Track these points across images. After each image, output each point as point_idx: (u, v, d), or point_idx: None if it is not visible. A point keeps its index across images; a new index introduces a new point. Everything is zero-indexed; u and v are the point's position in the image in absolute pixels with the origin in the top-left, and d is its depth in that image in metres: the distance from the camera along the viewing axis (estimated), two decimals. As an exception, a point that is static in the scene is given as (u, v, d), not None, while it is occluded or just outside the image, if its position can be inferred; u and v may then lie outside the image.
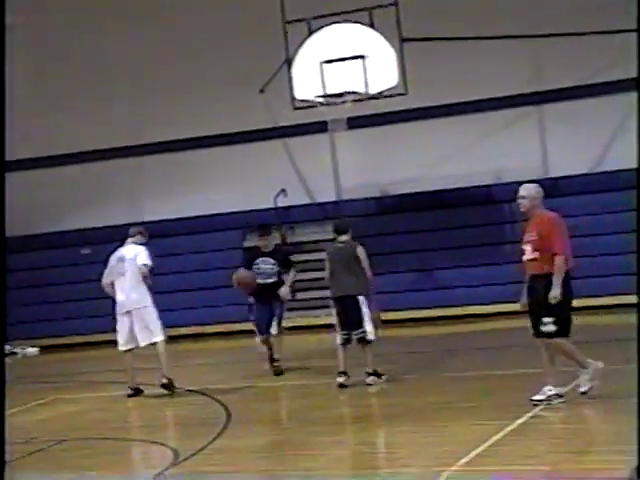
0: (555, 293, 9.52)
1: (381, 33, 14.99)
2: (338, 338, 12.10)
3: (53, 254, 20.99)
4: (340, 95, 14.51)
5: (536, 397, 9.64)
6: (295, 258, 20.01)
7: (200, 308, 19.40)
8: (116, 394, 13.29)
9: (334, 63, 14.33)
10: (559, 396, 9.64)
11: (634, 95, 17.75)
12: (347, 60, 14.32)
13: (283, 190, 19.94)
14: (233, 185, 20.21)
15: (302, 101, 15.19)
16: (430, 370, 13.09)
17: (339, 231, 12.39)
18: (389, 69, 14.81)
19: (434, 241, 18.80)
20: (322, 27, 15.04)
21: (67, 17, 21.00)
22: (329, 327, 12.79)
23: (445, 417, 9.76)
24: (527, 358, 13.33)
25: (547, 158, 18.80)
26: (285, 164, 20.00)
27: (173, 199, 20.56)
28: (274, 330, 13.34)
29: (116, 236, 20.27)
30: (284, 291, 13.43)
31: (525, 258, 9.84)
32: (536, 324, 9.65)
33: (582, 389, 9.73)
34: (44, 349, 20.17)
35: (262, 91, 18.20)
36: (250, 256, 13.94)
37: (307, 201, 20.03)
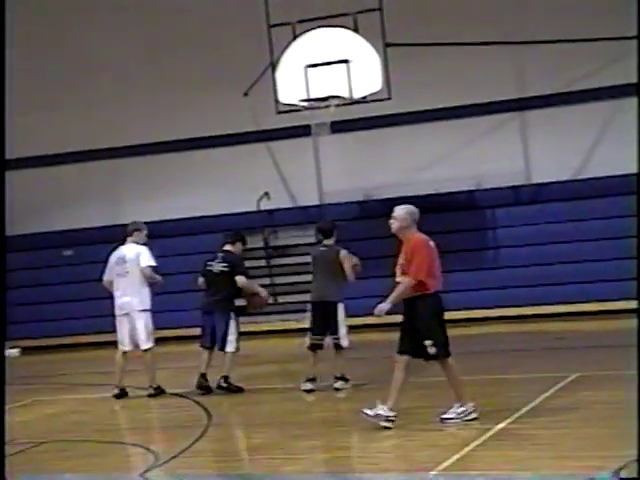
0: (383, 308, 9.51)
1: (365, 38, 15.03)
2: (307, 341, 12.13)
3: (35, 255, 20.94)
4: (324, 99, 14.53)
5: (446, 415, 9.53)
6: (278, 262, 20.18)
7: (182, 311, 19.36)
8: (97, 396, 13.25)
9: (318, 67, 14.35)
10: (470, 412, 9.50)
11: (616, 102, 17.88)
12: (331, 64, 14.34)
13: (266, 193, 19.95)
14: (216, 188, 20.20)
15: (286, 105, 15.20)
16: (411, 375, 13.06)
17: (324, 234, 12.37)
18: (373, 74, 14.84)
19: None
20: (307, 31, 15.07)
21: (50, 16, 20.95)
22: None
23: (427, 421, 9.77)
24: (506, 364, 13.42)
25: (529, 164, 18.87)
26: (268, 167, 20.00)
27: (155, 201, 20.53)
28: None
29: (98, 238, 20.39)
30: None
31: (397, 281, 9.75)
32: (421, 348, 9.54)
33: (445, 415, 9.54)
34: (25, 350, 20.10)
35: (246, 94, 18.20)
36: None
37: (290, 205, 20.04)
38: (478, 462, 8.10)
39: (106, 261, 13.08)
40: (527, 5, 18.59)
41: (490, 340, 16.22)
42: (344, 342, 12.03)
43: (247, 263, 20.76)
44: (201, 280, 12.73)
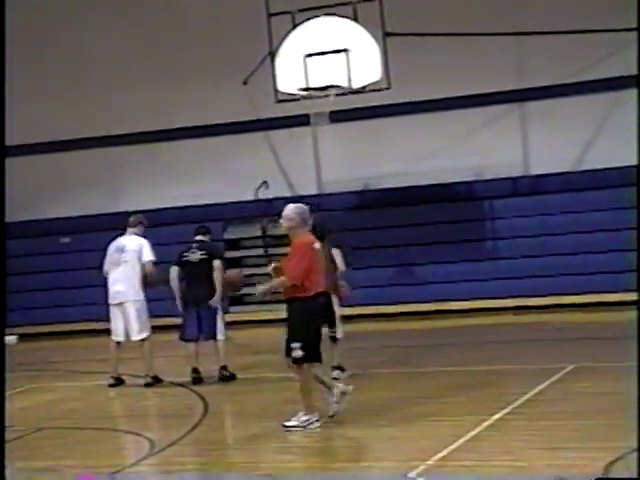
0: (260, 289, 9.47)
1: (365, 27, 14.99)
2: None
3: (32, 242, 20.94)
4: (323, 89, 14.50)
5: (288, 423, 9.32)
6: (275, 251, 20.16)
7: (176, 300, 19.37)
8: (95, 384, 13.27)
9: (317, 56, 14.32)
10: (313, 421, 9.33)
11: (615, 94, 17.87)
12: (330, 54, 14.31)
13: (265, 182, 19.94)
14: (214, 176, 20.19)
15: (285, 94, 15.17)
16: (408, 365, 13.12)
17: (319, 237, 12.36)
18: (372, 63, 14.81)
19: (414, 236, 18.84)
20: (306, 20, 15.03)
21: (48, 3, 20.90)
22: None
23: (421, 412, 9.79)
24: (504, 354, 13.44)
25: (528, 156, 18.86)
26: (267, 157, 19.99)
27: (153, 189, 20.53)
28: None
29: (96, 226, 20.38)
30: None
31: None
32: (289, 349, 9.32)
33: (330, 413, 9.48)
34: (23, 337, 20.11)
35: (245, 83, 18.16)
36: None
37: (289, 194, 20.03)
38: (474, 453, 8.12)
39: (104, 249, 13.08)
40: (527, -4, 18.57)
41: (488, 331, 16.24)
42: (339, 334, 12.08)
43: (245, 252, 20.90)
44: (174, 270, 12.60)
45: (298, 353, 9.24)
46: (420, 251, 18.86)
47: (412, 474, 7.50)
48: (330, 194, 19.70)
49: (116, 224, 20.39)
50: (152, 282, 12.70)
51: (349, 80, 14.42)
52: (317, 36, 14.62)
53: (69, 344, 19.03)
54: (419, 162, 18.93)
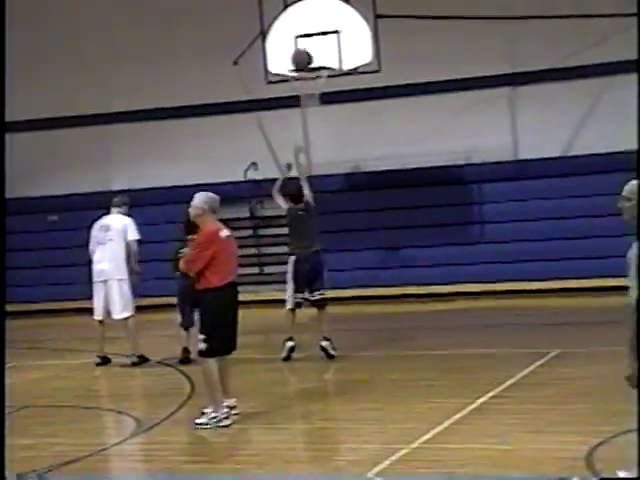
0: (182, 263, 9.44)
1: (356, 9, 14.95)
2: (290, 302, 12.22)
3: (20, 220, 20.85)
4: (314, 70, 14.47)
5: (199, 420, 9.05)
6: (264, 232, 20.17)
7: (167, 279, 19.37)
8: (81, 362, 13.28)
9: (308, 38, 14.28)
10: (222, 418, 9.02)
11: (606, 79, 17.88)
12: (321, 35, 14.27)
13: (254, 163, 19.91)
14: (203, 157, 20.14)
15: (275, 75, 15.13)
16: (394, 348, 13.16)
17: (296, 200, 12.56)
18: (363, 45, 14.79)
19: (403, 219, 18.84)
20: (297, 1, 14.98)
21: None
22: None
23: (407, 395, 9.83)
24: (490, 338, 13.50)
25: (517, 140, 18.86)
26: (257, 137, 19.94)
27: (142, 169, 20.47)
28: None
29: (83, 204, 20.32)
30: None
31: None
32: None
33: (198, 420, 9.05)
34: (9, 315, 20.04)
35: (236, 63, 18.10)
36: None
37: (278, 175, 19.96)
38: (458, 435, 8.16)
39: (90, 227, 13.08)
40: (519, -20, 18.53)
41: (474, 315, 16.29)
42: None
43: (233, 233, 20.83)
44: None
45: (202, 345, 9.06)
46: (408, 234, 18.87)
47: (396, 457, 7.54)
48: (319, 176, 19.65)
49: (104, 203, 20.31)
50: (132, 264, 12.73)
51: (340, 62, 14.39)
52: (308, 17, 14.58)
53: (55, 322, 19.01)
54: (408, 145, 18.91)
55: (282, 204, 12.80)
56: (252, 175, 19.87)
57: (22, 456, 8.24)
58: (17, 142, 20.82)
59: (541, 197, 18.25)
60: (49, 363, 13.64)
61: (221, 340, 9.11)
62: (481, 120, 18.56)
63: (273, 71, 15.11)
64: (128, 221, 12.79)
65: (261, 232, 20.17)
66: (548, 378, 10.21)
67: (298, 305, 12.30)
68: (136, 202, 19.67)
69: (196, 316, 12.68)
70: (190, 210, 9.45)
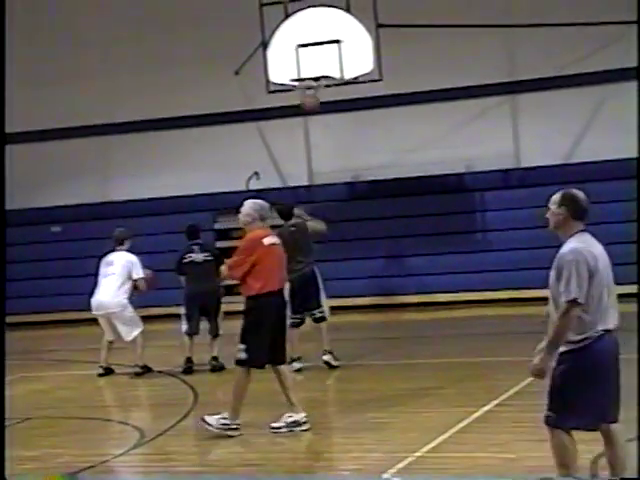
0: (225, 269, 9.47)
1: (357, 18, 14.97)
2: (289, 321, 12.15)
3: (23, 231, 20.88)
4: (315, 79, 14.48)
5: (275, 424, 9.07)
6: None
7: (170, 289, 19.37)
8: (84, 373, 13.27)
9: (309, 47, 14.29)
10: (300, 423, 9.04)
11: (606, 87, 17.89)
12: (323, 44, 14.29)
13: (256, 173, 19.92)
14: (205, 167, 20.14)
15: (277, 84, 15.15)
16: (397, 357, 13.15)
17: (285, 216, 12.32)
18: (364, 55, 14.79)
19: (405, 228, 18.84)
20: (298, 11, 15.00)
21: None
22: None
23: (412, 403, 9.82)
24: (493, 346, 13.48)
25: (519, 148, 18.87)
26: (258, 147, 19.96)
27: (144, 179, 20.48)
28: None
29: (86, 215, 20.35)
30: None
31: None
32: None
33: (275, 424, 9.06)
34: (11, 326, 20.04)
35: (237, 73, 18.14)
36: None
37: (280, 185, 20.02)
38: (462, 444, 8.15)
39: (94, 239, 13.13)
40: (520, -12, 18.57)
41: (477, 323, 16.28)
42: (327, 313, 12.17)
43: (236, 243, 20.81)
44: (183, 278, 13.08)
45: (242, 355, 8.95)
46: (410, 243, 18.88)
47: (400, 465, 7.53)
48: (321, 185, 19.69)
49: (106, 213, 20.43)
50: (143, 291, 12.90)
51: (341, 71, 14.39)
52: (309, 27, 14.58)
53: (58, 333, 19.02)
54: (410, 154, 18.93)
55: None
56: (254, 185, 19.89)
57: (26, 468, 8.23)
58: (18, 153, 20.87)
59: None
60: (52, 374, 13.63)
61: (259, 350, 8.90)
62: (483, 128, 18.57)
63: (274, 81, 15.12)
64: (133, 259, 12.86)
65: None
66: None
67: (296, 325, 12.15)
68: (137, 212, 19.85)
69: (202, 325, 12.83)
70: (239, 217, 9.23)
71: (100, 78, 20.52)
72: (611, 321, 6.20)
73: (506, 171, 18.78)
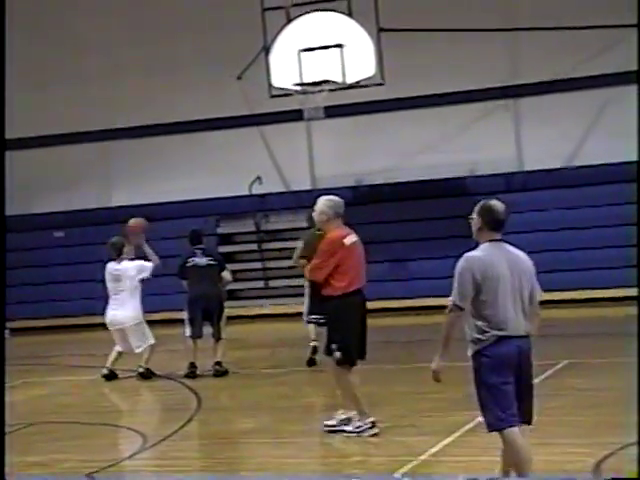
0: (306, 272, 9.16)
1: (359, 23, 15.00)
2: (308, 318, 12.16)
3: (25, 237, 20.90)
4: (317, 83, 14.51)
5: (329, 422, 8.98)
6: (269, 246, 20.17)
7: (172, 294, 19.37)
8: (86, 378, 13.26)
9: (312, 52, 14.32)
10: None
11: (609, 90, 17.89)
12: (325, 49, 14.31)
13: (258, 177, 19.93)
14: (208, 171, 20.16)
15: (279, 89, 15.17)
16: (401, 360, 13.13)
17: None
18: (366, 59, 14.83)
19: (407, 232, 18.83)
20: (300, 15, 15.03)
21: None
22: (301, 315, 12.82)
23: (416, 407, 9.80)
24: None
25: (521, 152, 18.87)
26: (261, 152, 19.97)
27: (146, 184, 20.49)
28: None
29: (89, 220, 20.35)
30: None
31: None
32: (329, 348, 8.87)
33: (329, 422, 8.98)
34: (15, 331, 20.08)
35: (239, 78, 18.16)
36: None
37: (282, 189, 20.03)
38: (466, 447, 8.13)
39: (96, 244, 13.11)
40: (521, -8, 18.58)
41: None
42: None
43: (238, 247, 20.89)
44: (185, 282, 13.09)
45: (338, 355, 8.77)
46: (413, 247, 18.86)
47: (404, 469, 7.52)
48: (323, 189, 19.65)
49: (109, 218, 20.40)
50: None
51: (343, 75, 14.43)
52: (311, 31, 14.63)
53: (62, 339, 19.00)
54: (412, 158, 18.93)
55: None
56: (257, 189, 19.89)
57: (30, 473, 8.21)
58: (19, 159, 20.90)
59: (546, 208, 18.24)
60: (55, 379, 13.62)
61: (351, 347, 8.82)
62: (485, 132, 18.58)
63: (277, 85, 15.15)
64: (137, 266, 12.81)
65: (266, 246, 20.17)
66: (556, 389, 10.17)
67: (313, 322, 12.23)
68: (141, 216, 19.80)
69: (205, 330, 12.80)
70: (314, 215, 9.03)
71: (101, 84, 20.54)
72: (512, 327, 6.27)
73: (508, 175, 18.77)
